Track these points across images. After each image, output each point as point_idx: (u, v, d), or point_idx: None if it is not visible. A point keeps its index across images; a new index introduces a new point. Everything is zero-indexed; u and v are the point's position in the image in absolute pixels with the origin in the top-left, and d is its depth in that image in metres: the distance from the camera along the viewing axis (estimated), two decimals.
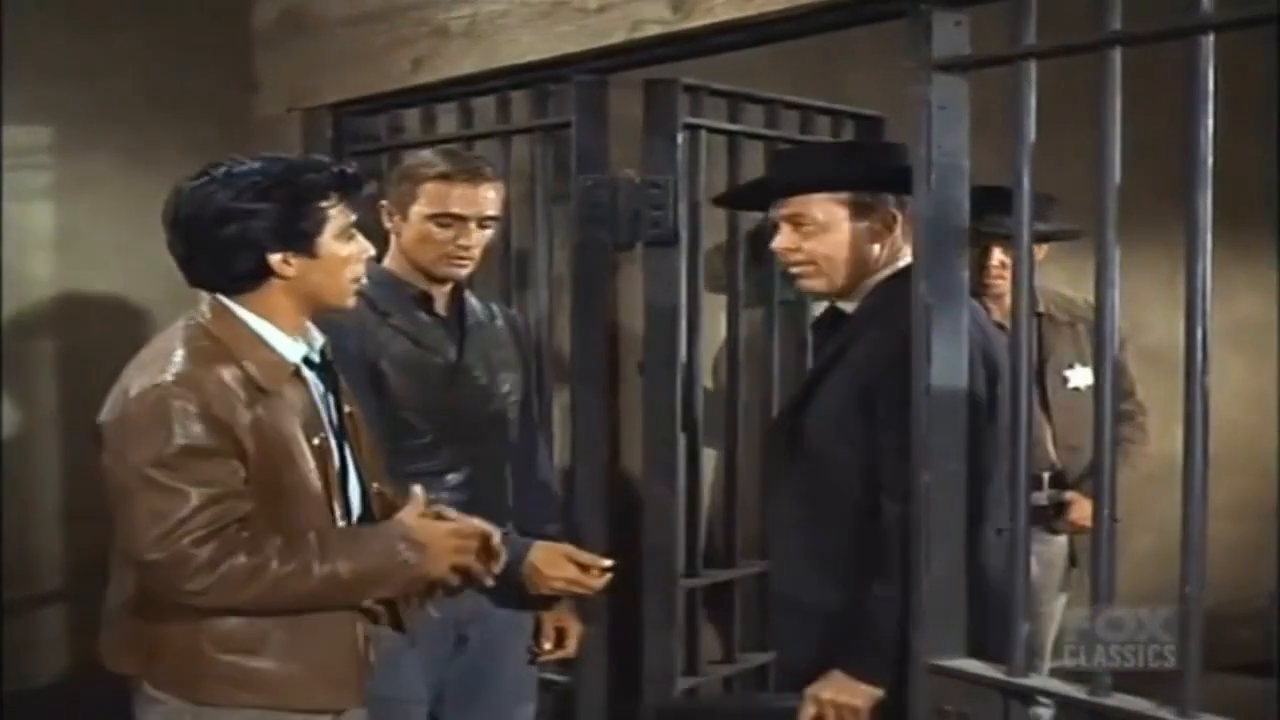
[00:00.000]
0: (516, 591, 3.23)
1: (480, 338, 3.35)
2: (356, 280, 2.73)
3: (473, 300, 3.39)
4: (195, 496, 2.49)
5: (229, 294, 2.67)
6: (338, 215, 2.66)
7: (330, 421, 2.75)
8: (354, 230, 2.70)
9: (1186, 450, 2.24)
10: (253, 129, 4.40)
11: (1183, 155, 2.21)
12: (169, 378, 2.53)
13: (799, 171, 3.04)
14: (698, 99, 3.75)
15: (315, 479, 2.66)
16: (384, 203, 3.31)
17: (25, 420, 4.23)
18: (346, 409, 2.81)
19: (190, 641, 2.61)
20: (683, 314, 3.79)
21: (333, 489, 2.70)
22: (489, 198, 3.23)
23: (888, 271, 2.93)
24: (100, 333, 4.18)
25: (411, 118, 4.05)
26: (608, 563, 3.25)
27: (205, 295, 2.69)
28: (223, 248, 2.62)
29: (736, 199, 3.51)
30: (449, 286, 3.31)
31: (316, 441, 2.67)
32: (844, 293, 2.96)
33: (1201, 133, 2.19)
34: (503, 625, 3.31)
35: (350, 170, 2.75)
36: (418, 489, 2.78)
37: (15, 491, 4.22)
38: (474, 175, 3.24)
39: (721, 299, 3.95)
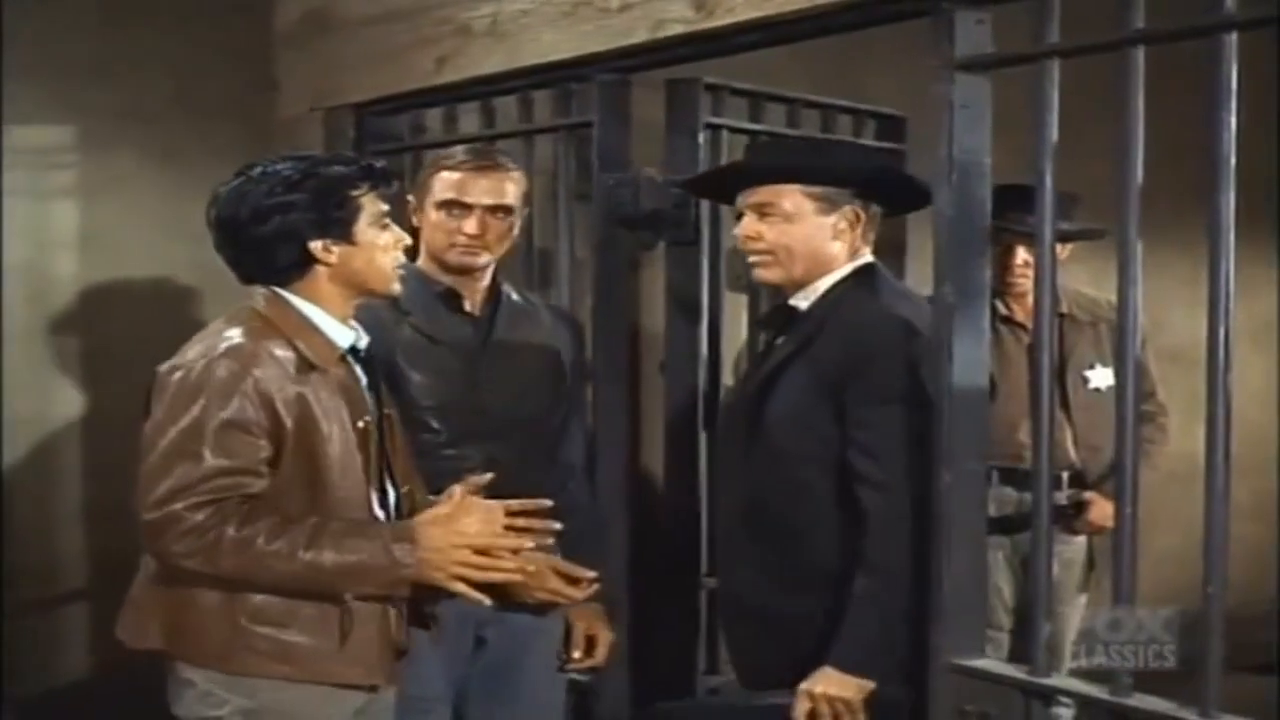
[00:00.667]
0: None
1: (513, 337, 3.33)
2: (397, 267, 2.81)
3: (514, 298, 3.38)
4: (211, 465, 2.57)
5: (280, 286, 2.75)
6: (369, 204, 2.75)
7: (373, 410, 2.81)
8: (387, 220, 2.78)
9: (1209, 450, 2.24)
10: (275, 129, 4.41)
11: (1205, 154, 2.21)
12: (221, 348, 2.63)
13: (774, 161, 3.07)
14: (719, 98, 3.75)
15: (356, 458, 2.72)
16: (410, 199, 3.35)
17: (49, 419, 4.24)
18: (385, 410, 2.87)
19: (223, 613, 2.67)
20: (704, 313, 3.79)
21: (372, 471, 2.77)
22: (499, 187, 3.24)
23: (846, 270, 2.96)
24: (124, 332, 4.19)
25: (434, 117, 4.05)
26: (592, 574, 3.23)
27: (257, 292, 2.77)
28: (264, 242, 2.71)
29: (706, 185, 3.49)
30: (482, 284, 3.32)
31: (362, 424, 2.74)
32: (798, 286, 2.99)
33: (1224, 131, 2.19)
34: (523, 628, 3.28)
35: (378, 163, 2.83)
36: (456, 489, 2.78)
37: (38, 490, 4.24)
38: (484, 164, 3.26)
39: (743, 298, 3.94)
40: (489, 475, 2.82)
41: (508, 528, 2.73)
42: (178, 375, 2.64)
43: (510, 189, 3.26)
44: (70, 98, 4.15)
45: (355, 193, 2.73)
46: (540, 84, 3.71)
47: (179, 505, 2.56)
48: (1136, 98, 2.29)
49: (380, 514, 2.78)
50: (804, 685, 2.82)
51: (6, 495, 4.13)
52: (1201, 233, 2.23)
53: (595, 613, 3.43)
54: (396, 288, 2.84)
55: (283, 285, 2.75)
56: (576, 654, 3.42)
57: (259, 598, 2.66)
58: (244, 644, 2.67)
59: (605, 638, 3.44)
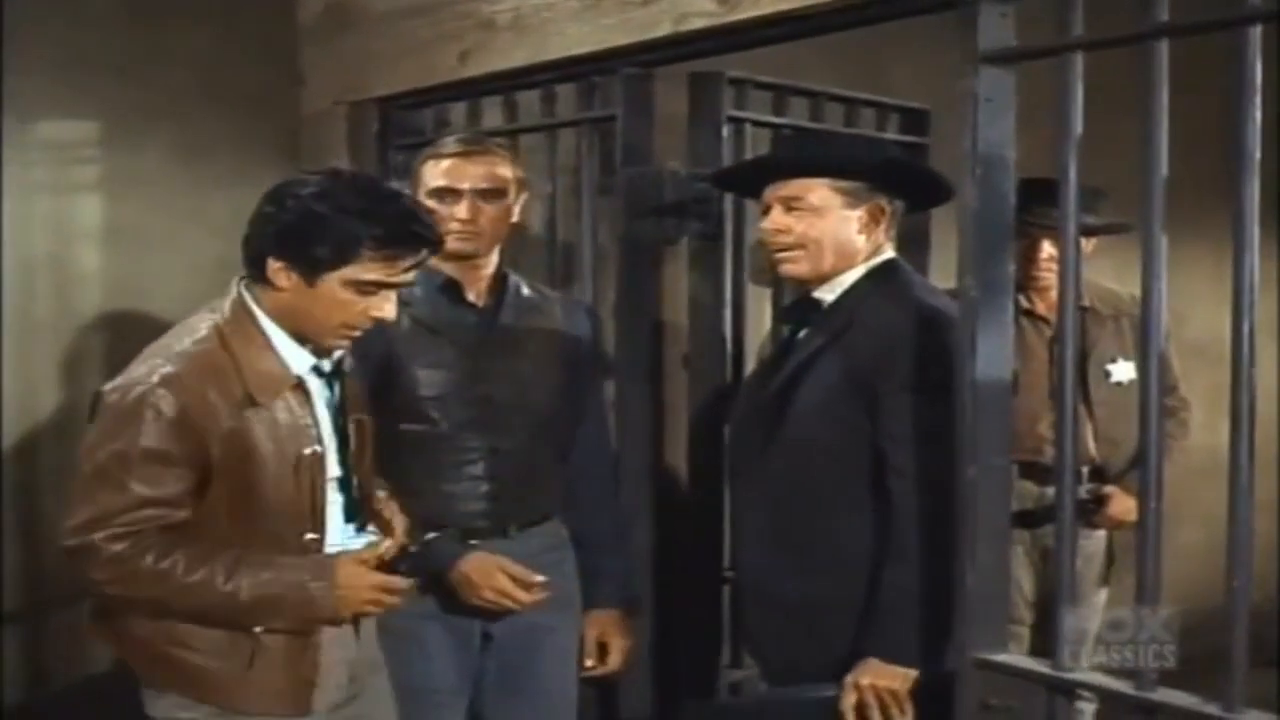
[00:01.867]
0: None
1: (519, 330, 3.33)
2: (348, 330, 2.70)
3: (523, 290, 3.38)
4: (134, 495, 2.57)
5: (253, 280, 2.70)
6: (369, 269, 2.62)
7: (332, 431, 2.78)
8: (378, 292, 2.66)
9: (1233, 444, 2.23)
10: (300, 124, 4.42)
11: (1230, 147, 2.20)
12: (156, 378, 2.60)
13: (803, 154, 3.08)
14: (742, 92, 3.75)
15: (290, 492, 2.70)
16: (405, 192, 3.35)
17: (71, 415, 4.25)
18: (355, 418, 2.84)
19: (146, 630, 2.71)
20: (727, 307, 3.79)
21: (317, 501, 2.74)
22: (488, 171, 3.24)
23: (870, 264, 2.99)
24: (149, 326, 4.17)
25: (458, 112, 4.06)
26: (540, 579, 3.24)
27: (233, 288, 2.74)
28: (254, 227, 2.68)
29: (732, 179, 3.50)
30: (485, 272, 3.32)
31: (308, 453, 2.71)
32: (822, 280, 3.00)
33: (1249, 125, 2.18)
34: (530, 626, 3.30)
35: (428, 234, 2.69)
36: (387, 543, 2.80)
37: (63, 484, 4.24)
38: (471, 149, 3.27)
39: (766, 292, 3.94)
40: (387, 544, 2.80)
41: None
42: (114, 399, 2.63)
43: (500, 173, 3.26)
44: (95, 93, 4.16)
45: (363, 249, 2.60)
46: (563, 78, 3.71)
47: (97, 536, 2.58)
48: (1160, 91, 2.28)
49: (314, 538, 2.75)
50: (849, 677, 2.85)
51: (32, 492, 4.14)
52: (1226, 226, 2.22)
53: (610, 619, 3.44)
54: (333, 344, 2.74)
55: (254, 286, 2.70)
56: (589, 661, 3.43)
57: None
58: (162, 664, 2.71)
59: (619, 644, 3.45)
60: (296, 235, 2.61)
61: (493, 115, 3.95)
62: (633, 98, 3.56)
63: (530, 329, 3.34)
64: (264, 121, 4.36)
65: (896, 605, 2.83)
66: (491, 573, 3.21)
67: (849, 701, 2.85)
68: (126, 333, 4.19)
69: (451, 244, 3.21)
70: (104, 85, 4.16)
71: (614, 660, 3.46)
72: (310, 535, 2.73)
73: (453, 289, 3.29)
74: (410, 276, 2.69)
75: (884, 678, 2.83)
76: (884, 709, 2.83)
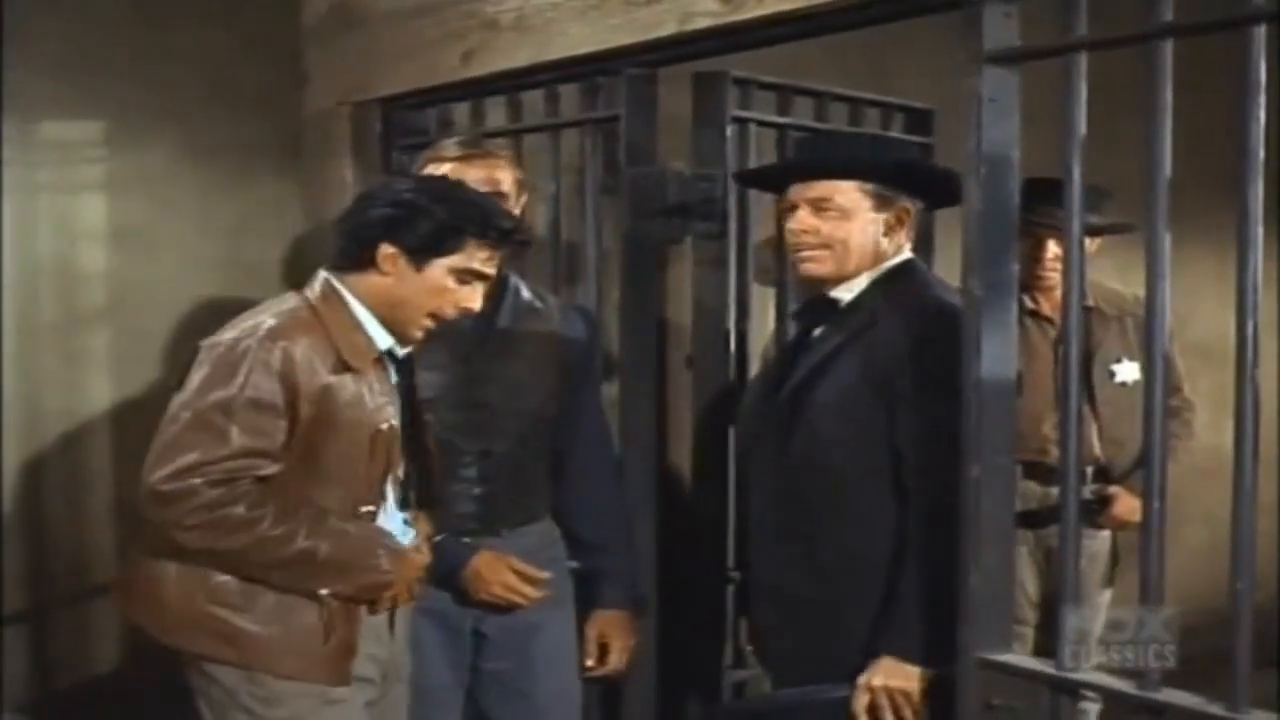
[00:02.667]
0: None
1: (516, 332, 3.33)
2: (434, 319, 2.84)
3: (523, 294, 3.38)
4: (235, 443, 2.65)
5: (344, 273, 2.83)
6: (472, 257, 2.80)
7: (400, 415, 2.88)
8: (471, 282, 2.83)
9: (1236, 444, 2.23)
10: (305, 124, 4.42)
11: (1234, 147, 2.20)
12: (264, 330, 2.71)
13: (834, 156, 3.08)
14: (746, 92, 3.74)
15: (361, 461, 2.79)
16: None
17: (78, 413, 4.26)
18: (424, 416, 2.98)
19: (186, 591, 2.76)
20: (731, 307, 3.79)
21: (382, 473, 2.84)
22: (489, 175, 3.25)
23: (890, 264, 2.99)
24: (155, 327, 4.21)
25: (461, 112, 4.06)
26: (545, 575, 3.29)
27: (320, 274, 2.85)
28: (360, 216, 2.84)
29: (759, 178, 3.51)
30: None
31: (384, 426, 2.81)
32: (842, 280, 3.01)
33: (1253, 124, 2.18)
34: (521, 623, 3.32)
35: (513, 233, 2.88)
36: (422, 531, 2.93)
37: (69, 485, 4.25)
38: (471, 153, 3.28)
39: (770, 292, 3.94)
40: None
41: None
42: (217, 351, 2.73)
43: (501, 176, 3.27)
44: (99, 93, 4.17)
45: (468, 240, 2.78)
46: (567, 78, 3.71)
47: (198, 479, 2.64)
48: (1165, 91, 2.28)
49: (370, 510, 2.84)
50: (862, 679, 2.86)
51: (36, 492, 4.15)
52: (1229, 226, 2.22)
53: (612, 619, 3.45)
54: (417, 335, 2.88)
55: (345, 274, 2.83)
56: (589, 662, 3.44)
57: (220, 579, 2.75)
58: (196, 623, 2.76)
59: (620, 644, 3.45)
60: (411, 223, 2.77)
61: (496, 115, 3.95)
62: (636, 98, 3.55)
63: (526, 333, 3.34)
64: (268, 121, 4.37)
65: (912, 605, 2.83)
66: (501, 569, 3.23)
67: (862, 702, 2.85)
68: (131, 333, 4.20)
69: None
70: (108, 85, 4.16)
71: (615, 660, 3.46)
72: (367, 508, 2.83)
73: None
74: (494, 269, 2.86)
75: (897, 678, 2.83)
76: (896, 710, 2.84)
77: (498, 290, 3.32)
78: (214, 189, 4.28)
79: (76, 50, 4.09)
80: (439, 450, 3.14)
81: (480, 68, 3.80)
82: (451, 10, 3.87)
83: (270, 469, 2.70)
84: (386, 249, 2.78)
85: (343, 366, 2.75)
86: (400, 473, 2.92)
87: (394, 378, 2.90)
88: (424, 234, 2.77)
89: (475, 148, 3.33)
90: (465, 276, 2.81)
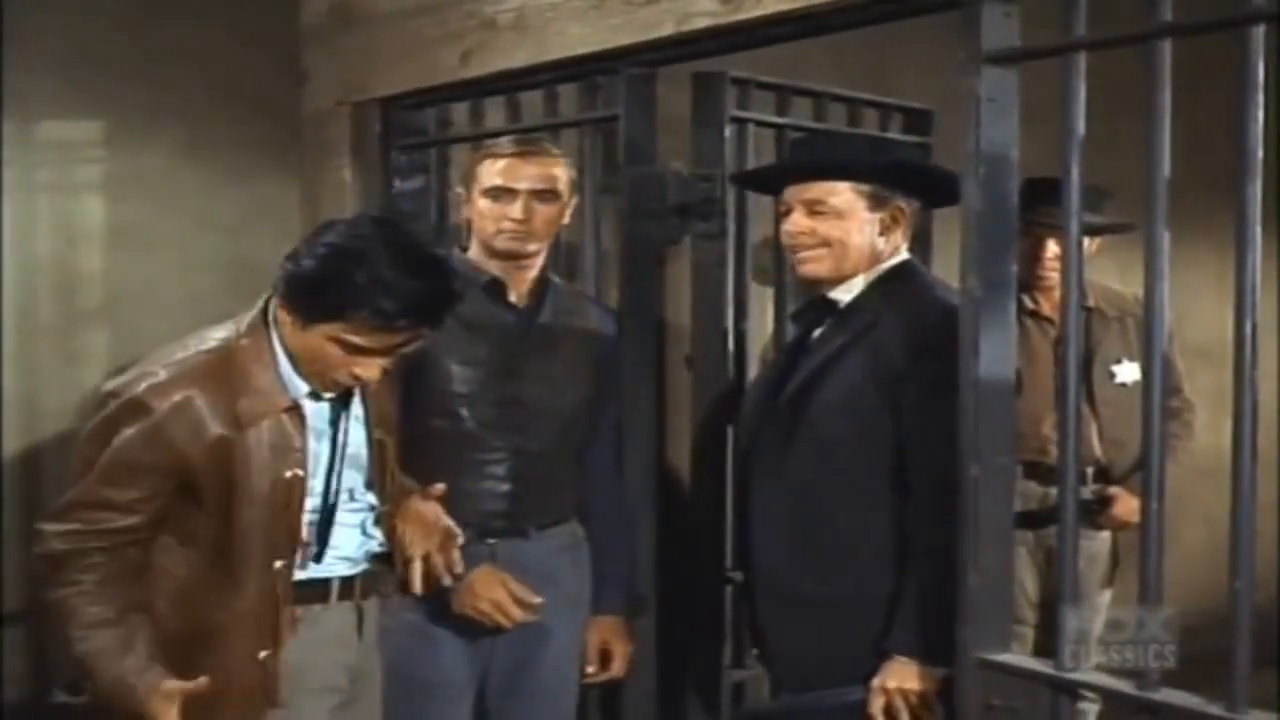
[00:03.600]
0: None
1: (555, 331, 3.36)
2: (329, 382, 2.76)
3: (563, 293, 3.42)
4: (97, 496, 2.70)
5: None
6: (359, 332, 2.64)
7: (329, 452, 2.83)
8: (374, 353, 2.69)
9: (1235, 445, 2.23)
10: (303, 123, 4.42)
11: (1233, 147, 2.20)
12: (143, 386, 2.70)
13: (828, 157, 3.08)
14: (745, 92, 3.74)
15: (266, 514, 2.75)
16: (459, 190, 3.42)
17: (74, 415, 4.25)
18: (378, 437, 2.90)
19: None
20: (730, 307, 3.79)
21: (293, 525, 2.78)
22: (544, 173, 3.28)
23: (888, 264, 3.00)
24: (153, 326, 4.20)
25: (460, 112, 4.06)
26: (537, 600, 3.26)
27: (259, 304, 2.81)
28: (286, 258, 2.73)
29: (755, 180, 3.52)
30: (529, 274, 3.35)
31: (288, 475, 2.76)
32: (840, 281, 3.01)
33: (1252, 124, 2.18)
34: (533, 629, 3.32)
35: (434, 324, 2.73)
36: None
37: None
38: (528, 150, 3.31)
39: (769, 292, 3.94)
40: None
41: None
42: (108, 400, 2.75)
43: (556, 174, 3.30)
44: (99, 92, 4.17)
45: (359, 311, 2.62)
46: (566, 78, 3.71)
47: (49, 525, 2.73)
48: (1164, 91, 2.28)
49: (282, 565, 2.79)
50: (876, 680, 2.87)
51: (35, 492, 4.15)
52: (1228, 226, 2.22)
53: (611, 625, 3.45)
54: (304, 395, 2.78)
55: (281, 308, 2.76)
56: (591, 668, 3.44)
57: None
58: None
59: (622, 650, 3.46)
60: (304, 281, 2.66)
61: (495, 115, 3.95)
62: (635, 98, 3.55)
63: (566, 332, 3.37)
64: (267, 121, 4.37)
65: (921, 604, 2.84)
66: (494, 586, 3.23)
67: (877, 705, 2.86)
68: (130, 333, 4.20)
69: (505, 243, 3.25)
70: (107, 85, 4.16)
71: (617, 667, 3.47)
72: (279, 563, 2.78)
73: (495, 288, 3.32)
74: (397, 355, 2.74)
75: (910, 679, 2.84)
76: (912, 711, 2.84)
77: (540, 289, 3.34)
78: (213, 189, 4.28)
79: (76, 49, 4.09)
80: (469, 444, 3.20)
81: (479, 68, 3.80)
82: (450, 10, 3.87)
83: (127, 522, 2.70)
84: (276, 298, 2.74)
85: (234, 421, 2.70)
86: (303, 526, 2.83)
87: (323, 415, 2.83)
88: (311, 297, 2.66)
89: (531, 144, 3.35)
90: (347, 348, 2.67)
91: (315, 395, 2.80)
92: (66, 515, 2.71)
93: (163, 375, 2.70)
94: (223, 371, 2.72)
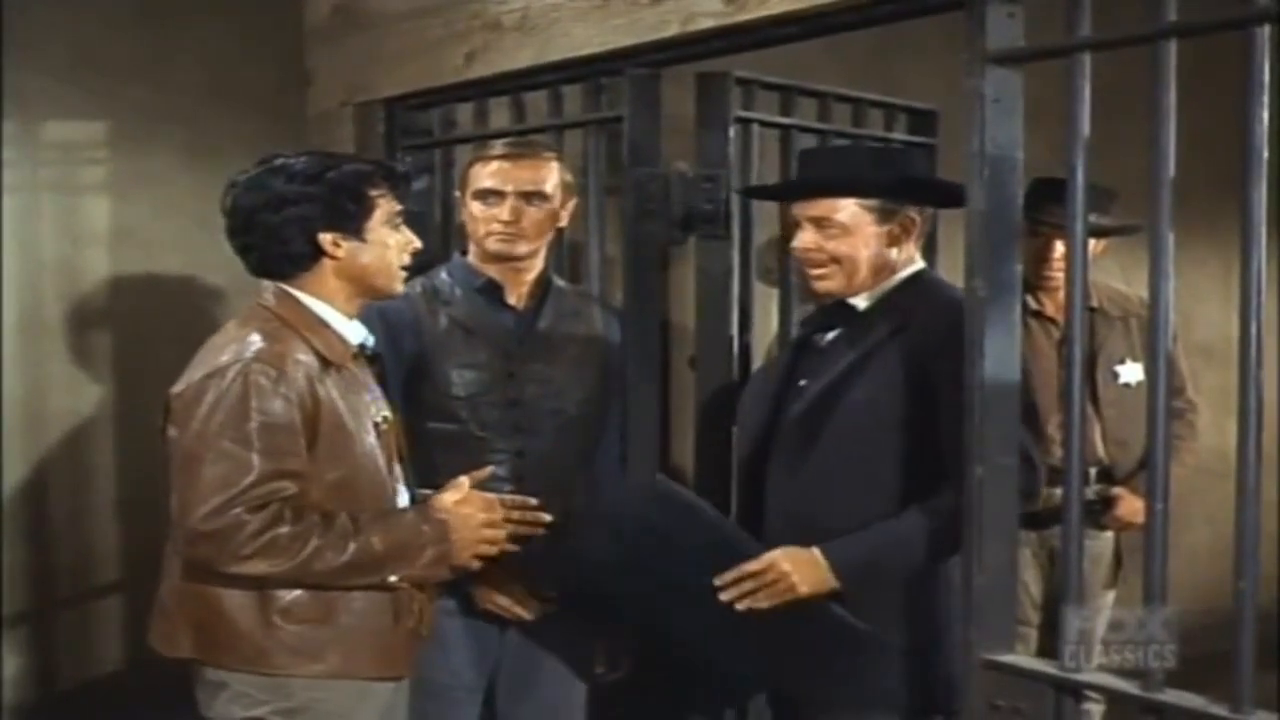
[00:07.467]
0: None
1: (557, 331, 3.35)
2: (404, 268, 2.88)
3: (565, 294, 3.42)
4: (259, 468, 2.63)
5: (287, 279, 2.81)
6: (384, 204, 2.82)
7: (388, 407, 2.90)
8: (400, 221, 2.86)
9: (1240, 445, 2.23)
10: (308, 124, 4.42)
11: (1237, 148, 2.20)
12: (250, 354, 2.68)
13: (833, 174, 3.07)
14: (750, 92, 3.73)
15: (379, 455, 2.80)
16: (457, 193, 3.43)
17: (81, 414, 4.26)
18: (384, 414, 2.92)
19: (254, 614, 2.73)
20: (734, 307, 3.78)
21: (394, 465, 2.86)
22: (533, 175, 3.29)
23: (904, 274, 3.02)
24: (157, 327, 4.21)
25: (465, 112, 4.06)
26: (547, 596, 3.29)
27: (267, 284, 2.82)
28: (277, 231, 2.77)
29: (760, 195, 3.53)
30: (528, 276, 3.35)
31: (380, 419, 2.83)
32: (857, 293, 3.01)
33: (1256, 125, 2.17)
34: (543, 627, 3.33)
35: (398, 166, 2.96)
36: (464, 479, 2.89)
37: (72, 485, 4.26)
38: (518, 153, 3.31)
39: (773, 292, 3.94)
40: (490, 469, 2.98)
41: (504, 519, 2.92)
42: (211, 385, 2.68)
43: (546, 176, 3.30)
44: (103, 93, 4.18)
45: (372, 191, 2.80)
46: (570, 78, 3.71)
47: (239, 510, 2.62)
48: (1168, 91, 2.28)
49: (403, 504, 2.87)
50: (778, 552, 2.86)
51: (38, 493, 4.16)
52: (1233, 227, 2.22)
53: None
54: (400, 288, 2.90)
55: (290, 280, 2.81)
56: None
57: (290, 596, 2.73)
58: (277, 643, 2.73)
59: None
60: (331, 204, 2.77)
61: (500, 116, 3.95)
62: (640, 98, 3.55)
63: (567, 334, 3.37)
64: (272, 122, 4.38)
65: (887, 533, 2.85)
66: (508, 583, 3.23)
67: (754, 566, 2.85)
68: (135, 334, 4.21)
69: (495, 245, 3.25)
70: (111, 86, 4.17)
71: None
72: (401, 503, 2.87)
73: (493, 291, 3.32)
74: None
75: (804, 571, 2.84)
76: (772, 588, 2.84)
77: (540, 291, 3.34)
78: (217, 190, 4.27)
79: (79, 51, 4.10)
80: (471, 447, 3.20)
81: (484, 68, 3.81)
82: (455, 11, 3.87)
83: (296, 488, 2.68)
84: (326, 236, 2.78)
85: (326, 366, 2.74)
86: (405, 457, 2.95)
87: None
88: (349, 206, 2.79)
89: (522, 146, 3.36)
90: (394, 220, 2.85)
91: (362, 349, 2.89)
92: (242, 498, 2.62)
93: (255, 346, 2.71)
94: (290, 334, 2.75)
